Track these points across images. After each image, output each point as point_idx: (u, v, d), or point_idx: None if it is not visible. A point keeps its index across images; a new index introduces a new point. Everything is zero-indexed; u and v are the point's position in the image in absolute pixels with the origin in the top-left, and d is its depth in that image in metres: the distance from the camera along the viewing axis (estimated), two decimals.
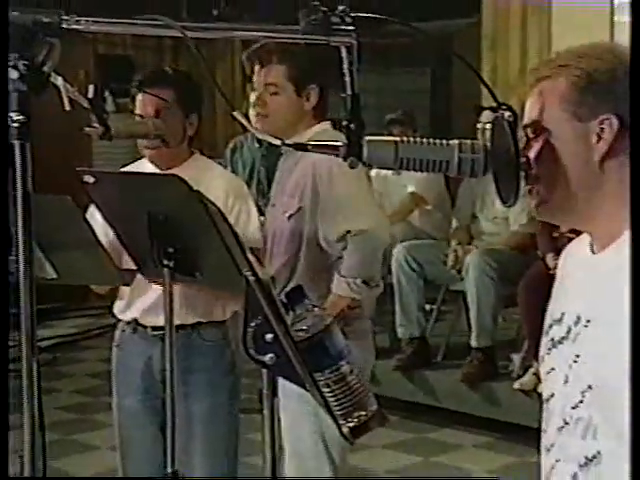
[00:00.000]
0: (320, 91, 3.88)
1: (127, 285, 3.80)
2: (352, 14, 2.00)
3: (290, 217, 3.78)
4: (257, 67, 3.87)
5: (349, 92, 2.00)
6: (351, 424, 2.00)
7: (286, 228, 3.85)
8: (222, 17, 9.16)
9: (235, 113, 1.99)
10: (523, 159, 2.01)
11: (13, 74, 1.97)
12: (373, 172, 6.92)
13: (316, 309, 2.03)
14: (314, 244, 3.77)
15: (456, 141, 2.01)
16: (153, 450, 4.01)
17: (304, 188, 3.78)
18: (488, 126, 6.76)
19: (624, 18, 6.39)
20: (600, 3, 6.52)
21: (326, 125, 3.85)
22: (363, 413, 2.02)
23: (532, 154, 2.04)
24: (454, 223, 7.39)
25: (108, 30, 2.09)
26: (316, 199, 3.76)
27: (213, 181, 3.77)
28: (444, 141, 2.01)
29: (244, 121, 2.15)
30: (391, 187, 7.46)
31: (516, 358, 6.85)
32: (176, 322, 3.51)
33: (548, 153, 2.05)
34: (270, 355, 2.15)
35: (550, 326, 2.24)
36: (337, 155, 2.03)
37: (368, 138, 2.00)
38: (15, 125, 2.00)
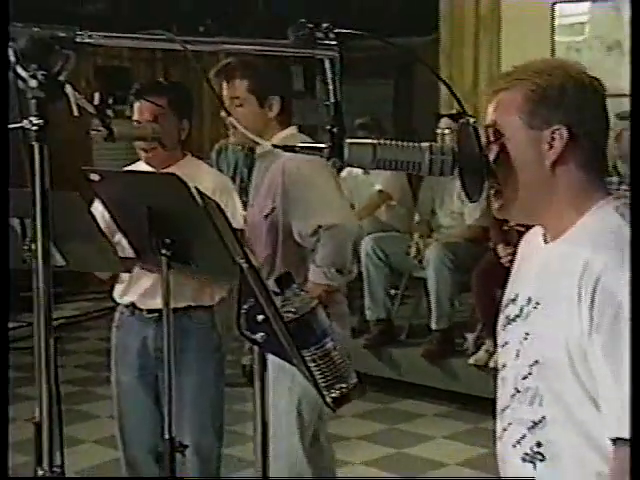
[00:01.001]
0: (282, 100, 3.85)
1: (128, 272, 3.80)
2: (335, 30, 1.99)
3: (266, 216, 3.76)
4: (224, 83, 3.85)
5: (332, 100, 2.00)
6: (334, 395, 2.01)
7: (264, 226, 3.83)
8: (208, 33, 9.13)
9: (231, 119, 2.01)
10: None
11: (32, 83, 1.95)
12: (345, 172, 6.96)
13: (303, 293, 2.04)
14: (290, 239, 3.76)
15: (427, 144, 2.02)
16: (147, 420, 4.04)
17: (276, 189, 3.76)
18: (447, 131, 6.79)
19: (564, 38, 6.44)
20: (542, 25, 6.55)
21: (293, 130, 3.87)
22: (344, 385, 2.03)
23: (491, 156, 2.05)
24: (416, 217, 7.39)
25: (116, 44, 2.09)
26: (287, 199, 3.74)
27: (203, 178, 3.76)
28: (416, 144, 2.02)
29: (237, 124, 2.15)
30: (361, 185, 7.46)
31: (470, 337, 6.91)
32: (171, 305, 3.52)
33: (504, 156, 2.07)
34: (261, 334, 2.16)
35: (506, 305, 2.24)
36: (322, 156, 2.04)
37: (349, 141, 2.01)
38: (34, 128, 1.99)
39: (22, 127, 1.99)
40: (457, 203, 7.10)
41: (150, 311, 3.93)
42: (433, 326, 6.88)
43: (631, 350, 1.95)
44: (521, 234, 6.94)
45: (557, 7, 6.53)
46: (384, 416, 6.46)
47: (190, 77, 8.66)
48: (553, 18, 6.58)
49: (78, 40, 1.98)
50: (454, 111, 7.33)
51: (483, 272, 6.57)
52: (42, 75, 1.96)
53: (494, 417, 5.79)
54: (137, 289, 3.98)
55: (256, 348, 2.42)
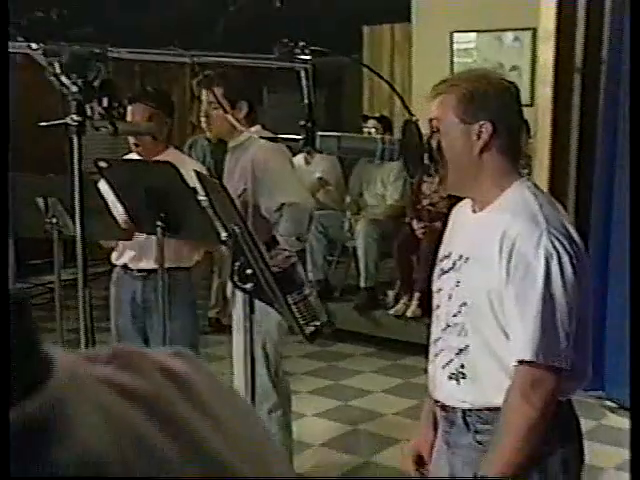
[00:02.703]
0: (249, 104, 3.85)
1: (128, 240, 3.82)
2: (309, 47, 2.03)
3: (239, 196, 3.75)
4: (204, 90, 3.84)
5: (306, 101, 2.05)
6: (310, 329, 2.06)
7: (237, 204, 3.83)
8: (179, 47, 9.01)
9: (229, 117, 2.07)
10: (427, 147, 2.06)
11: (73, 88, 1.99)
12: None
13: (285, 252, 2.09)
14: (258, 214, 3.75)
15: (379, 136, 2.08)
16: None
17: (247, 174, 3.75)
18: (373, 130, 6.83)
19: (460, 60, 6.51)
20: (444, 49, 6.62)
21: (258, 127, 3.85)
22: (318, 322, 2.08)
23: (434, 143, 2.09)
24: (347, 199, 7.36)
25: (138, 58, 2.13)
26: (256, 182, 3.74)
27: (184, 165, 3.78)
28: (372, 136, 2.09)
29: (236, 123, 2.15)
30: (304, 174, 7.43)
31: (390, 293, 6.90)
32: (154, 266, 3.57)
33: (444, 145, 2.10)
34: (250, 284, 2.22)
35: (441, 260, 2.27)
36: (297, 145, 2.08)
37: (320, 133, 2.04)
38: (74, 124, 2.03)
39: (65, 123, 2.03)
40: (380, 187, 7.10)
41: (139, 270, 3.98)
42: (361, 285, 6.89)
43: (632, 349, 2.04)
44: (430, 212, 7.09)
45: (455, 35, 6.61)
46: (324, 356, 6.47)
47: (163, 86, 8.59)
48: (452, 44, 6.64)
49: (109, 55, 2.03)
50: (377, 114, 7.43)
51: (401, 242, 6.58)
52: (81, 82, 2.00)
53: (408, 355, 5.93)
54: (128, 254, 4.00)
55: (241, 296, 2.47)
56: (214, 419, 0.48)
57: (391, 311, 6.69)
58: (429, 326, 2.30)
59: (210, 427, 0.47)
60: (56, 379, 0.41)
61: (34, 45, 1.98)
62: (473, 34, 6.54)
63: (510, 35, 6.27)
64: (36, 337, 0.42)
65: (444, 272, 2.24)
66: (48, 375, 0.41)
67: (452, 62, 6.58)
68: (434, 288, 2.30)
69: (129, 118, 3.91)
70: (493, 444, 2.08)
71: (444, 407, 2.25)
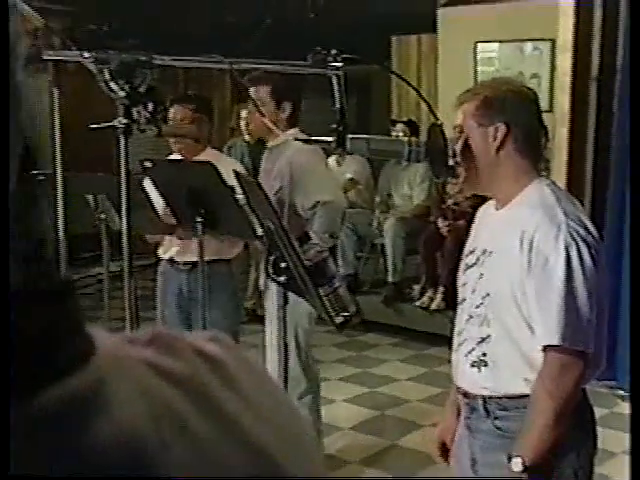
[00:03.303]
0: (292, 105, 3.76)
1: (171, 235, 3.83)
2: (342, 55, 2.01)
3: (275, 194, 3.72)
4: (251, 88, 3.75)
5: (338, 106, 2.03)
6: (339, 320, 2.06)
7: (272, 202, 3.79)
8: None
9: (265, 120, 2.04)
10: (451, 150, 2.07)
11: (121, 93, 2.00)
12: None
13: (317, 246, 2.09)
14: (292, 211, 3.72)
15: (406, 139, 2.07)
16: None
17: (284, 173, 3.72)
18: (401, 134, 6.80)
19: (483, 68, 6.49)
20: (468, 58, 6.59)
21: (297, 129, 3.78)
22: (347, 313, 2.07)
23: (458, 147, 2.10)
24: (377, 198, 7.35)
25: (181, 65, 2.13)
26: (293, 181, 3.71)
27: (224, 164, 3.78)
28: (399, 139, 2.08)
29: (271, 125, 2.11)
30: (335, 174, 7.43)
31: (416, 287, 6.88)
32: (196, 259, 3.55)
33: (466, 147, 2.12)
34: (284, 277, 2.22)
35: (467, 255, 2.27)
36: (330, 147, 2.07)
37: (350, 136, 2.03)
38: (122, 127, 2.03)
39: (113, 126, 2.04)
40: (407, 188, 7.09)
41: (184, 263, 3.97)
42: (389, 279, 6.89)
43: (632, 348, 2.03)
44: (454, 212, 7.01)
45: (478, 45, 6.58)
46: (352, 346, 6.46)
47: (204, 92, 8.61)
48: (475, 53, 6.61)
49: (154, 62, 2.03)
50: (405, 119, 7.40)
51: (427, 239, 6.57)
52: (128, 88, 2.01)
53: (432, 346, 5.86)
54: (174, 248, 4.00)
55: (274, 288, 2.46)
56: (246, 400, 0.48)
57: (417, 304, 6.67)
58: (452, 318, 2.30)
59: (243, 408, 0.47)
60: (98, 358, 0.41)
61: (86, 54, 1.98)
62: (496, 44, 6.51)
63: (530, 45, 6.25)
64: (80, 319, 0.42)
65: (469, 267, 2.24)
66: (91, 354, 0.41)
67: (475, 71, 6.56)
68: (459, 282, 2.30)
69: (171, 118, 3.91)
70: (524, 429, 2.06)
71: (466, 394, 2.24)
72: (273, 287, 2.89)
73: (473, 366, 2.18)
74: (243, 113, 5.77)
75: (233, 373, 0.49)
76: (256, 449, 0.46)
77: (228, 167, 3.81)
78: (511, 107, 2.13)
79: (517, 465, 2.01)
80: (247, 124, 3.90)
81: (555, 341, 1.97)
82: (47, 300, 0.40)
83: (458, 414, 2.34)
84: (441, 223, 6.48)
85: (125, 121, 2.01)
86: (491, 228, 2.21)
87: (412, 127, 6.94)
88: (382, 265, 7.18)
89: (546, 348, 2.01)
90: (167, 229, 3.72)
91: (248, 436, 0.46)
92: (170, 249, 4.05)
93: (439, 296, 6.45)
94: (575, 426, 2.10)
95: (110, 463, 0.38)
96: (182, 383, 0.45)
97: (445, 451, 2.42)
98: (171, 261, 4.06)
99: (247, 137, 4.08)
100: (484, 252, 2.17)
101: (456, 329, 2.28)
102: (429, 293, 6.61)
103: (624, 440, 4.37)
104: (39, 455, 0.37)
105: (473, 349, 2.18)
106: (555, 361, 2.00)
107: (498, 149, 2.12)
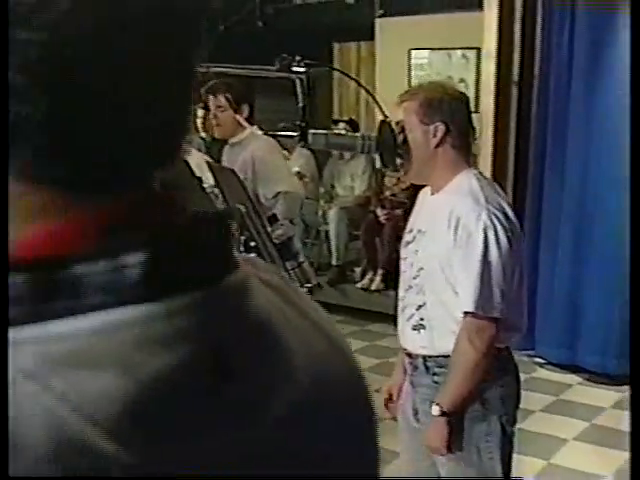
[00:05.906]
0: (250, 107, 3.86)
1: None
2: (304, 61, 2.06)
3: None
4: (211, 97, 3.85)
5: (300, 104, 2.06)
6: (304, 290, 2.07)
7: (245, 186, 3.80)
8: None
9: (239, 117, 2.02)
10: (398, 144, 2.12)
11: None
12: None
13: (284, 226, 2.14)
14: (256, 201, 3.65)
15: (360, 134, 2.14)
16: None
17: (247, 166, 3.74)
18: (343, 132, 6.85)
19: (417, 73, 6.63)
20: (403, 63, 6.72)
21: (255, 127, 3.86)
22: (309, 285, 2.15)
23: (401, 140, 2.17)
24: (321, 189, 7.38)
25: (234, 72, 2.15)
26: (255, 173, 3.74)
27: (191, 157, 3.77)
28: (354, 134, 2.15)
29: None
30: None
31: (357, 270, 6.92)
32: None
33: (408, 142, 2.20)
34: (253, 254, 2.29)
35: (407, 233, 2.35)
36: (295, 139, 2.12)
37: (311, 131, 2.04)
38: None
39: None
40: (349, 180, 7.14)
41: None
42: (333, 263, 6.91)
43: (632, 346, 2.17)
44: (392, 202, 7.09)
45: (412, 52, 6.74)
46: None
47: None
48: (409, 59, 6.76)
49: (210, 70, 2.03)
50: (346, 118, 7.50)
51: (367, 226, 6.62)
52: None
53: (373, 322, 5.95)
54: None
55: None
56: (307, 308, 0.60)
57: (358, 285, 6.71)
58: (391, 297, 2.39)
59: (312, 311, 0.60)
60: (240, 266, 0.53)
61: None
62: (427, 52, 6.67)
63: (458, 53, 6.43)
64: (233, 242, 0.53)
65: (408, 243, 2.32)
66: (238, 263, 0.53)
67: (410, 75, 6.71)
68: (401, 256, 2.38)
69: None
70: (444, 381, 2.21)
71: (409, 354, 2.35)
72: None
73: (414, 329, 2.27)
74: (199, 112, 5.81)
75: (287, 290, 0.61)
76: (332, 341, 0.59)
77: (195, 160, 3.88)
78: (448, 108, 2.22)
79: (435, 410, 2.19)
80: (203, 122, 3.95)
81: (471, 308, 2.11)
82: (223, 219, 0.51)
83: (405, 372, 2.45)
84: (380, 212, 6.53)
85: None
86: (426, 210, 2.30)
87: (352, 125, 6.97)
88: (326, 250, 7.18)
89: (465, 313, 2.14)
90: None
91: (326, 331, 0.58)
92: None
93: (378, 278, 6.52)
94: (499, 377, 2.24)
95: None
96: (279, 291, 0.56)
97: (391, 403, 2.54)
98: None
99: (203, 134, 4.12)
100: (419, 231, 2.26)
101: (399, 296, 2.37)
102: (369, 275, 6.66)
103: (541, 400, 4.68)
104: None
105: (413, 314, 2.28)
106: (471, 324, 2.13)
107: (437, 145, 2.22)
